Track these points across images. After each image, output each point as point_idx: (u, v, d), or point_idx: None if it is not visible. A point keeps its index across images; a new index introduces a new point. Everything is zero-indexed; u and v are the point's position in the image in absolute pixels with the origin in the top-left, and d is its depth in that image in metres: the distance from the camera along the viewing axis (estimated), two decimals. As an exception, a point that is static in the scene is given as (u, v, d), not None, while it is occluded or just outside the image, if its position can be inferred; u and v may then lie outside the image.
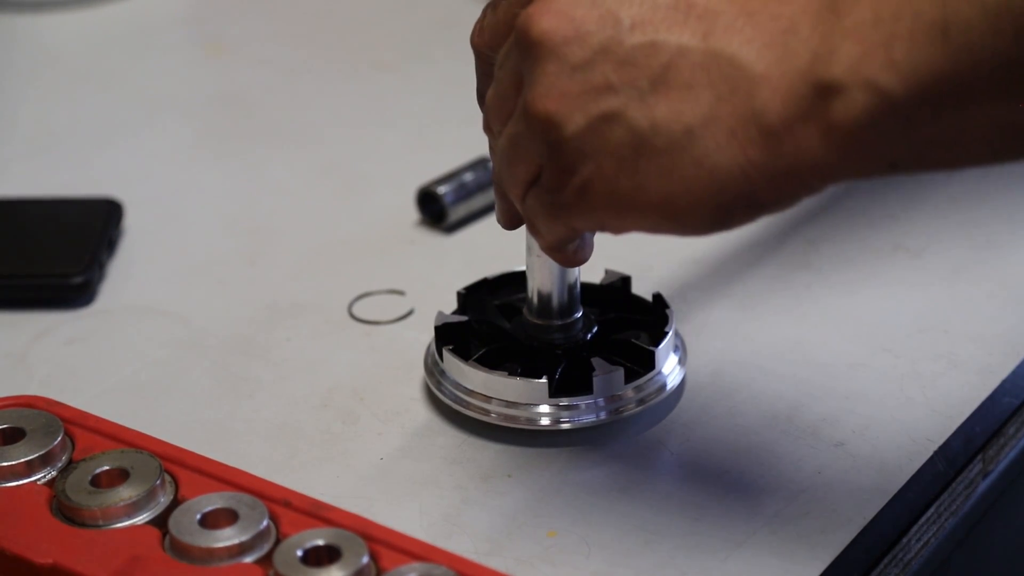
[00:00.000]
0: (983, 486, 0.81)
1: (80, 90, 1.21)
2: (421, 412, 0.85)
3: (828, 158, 0.66)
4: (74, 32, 1.29)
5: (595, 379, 0.81)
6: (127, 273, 0.98)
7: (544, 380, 0.81)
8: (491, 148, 0.76)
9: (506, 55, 0.73)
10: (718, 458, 0.81)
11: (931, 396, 0.83)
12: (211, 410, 0.86)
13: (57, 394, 0.81)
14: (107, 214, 1.00)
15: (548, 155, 0.70)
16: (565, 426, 0.81)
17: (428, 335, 0.91)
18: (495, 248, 0.99)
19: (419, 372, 0.88)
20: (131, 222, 1.02)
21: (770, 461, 0.80)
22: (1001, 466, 0.83)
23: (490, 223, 1.00)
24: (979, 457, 0.81)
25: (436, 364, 0.85)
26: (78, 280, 0.95)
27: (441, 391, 0.84)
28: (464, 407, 0.83)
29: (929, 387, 0.83)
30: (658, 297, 0.85)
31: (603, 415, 0.82)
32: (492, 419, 0.82)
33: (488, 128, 0.76)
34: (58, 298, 0.95)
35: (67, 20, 1.30)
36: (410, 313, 0.93)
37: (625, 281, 0.87)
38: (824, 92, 0.64)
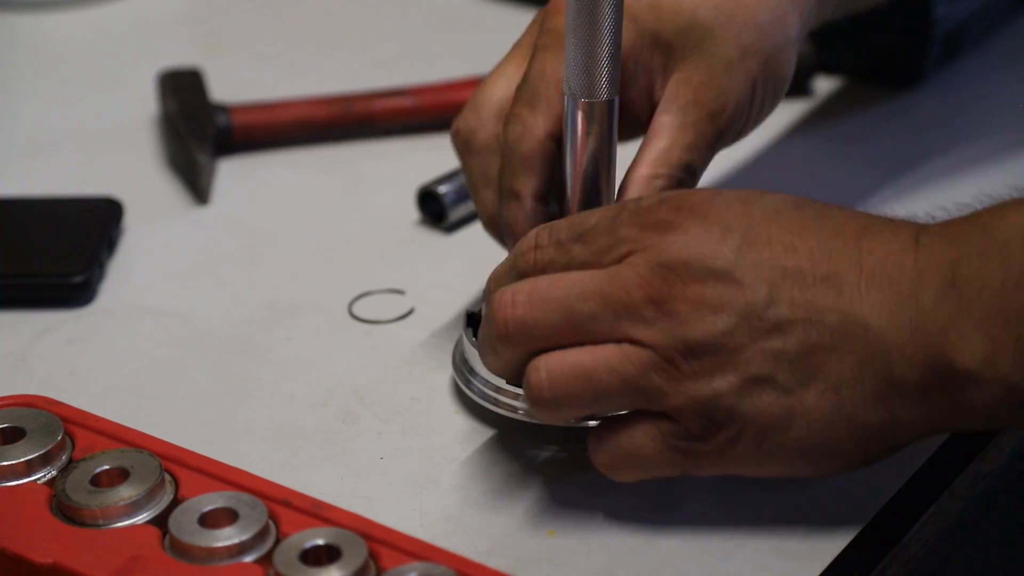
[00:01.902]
0: (983, 486, 0.81)
1: (80, 90, 1.21)
2: (421, 412, 0.85)
3: (958, 423, 0.73)
4: (74, 32, 1.29)
5: None
6: (127, 273, 0.98)
7: None
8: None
9: (627, 309, 0.73)
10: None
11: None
12: (211, 410, 0.86)
13: (57, 393, 0.81)
14: (107, 214, 1.00)
15: (694, 409, 0.73)
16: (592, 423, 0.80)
17: (428, 335, 0.91)
18: (495, 248, 0.99)
19: (419, 371, 0.88)
20: (131, 222, 1.02)
21: (770, 461, 0.80)
22: (1000, 465, 0.83)
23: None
24: (979, 457, 0.81)
25: (465, 361, 0.85)
26: (78, 279, 0.95)
27: (471, 388, 0.84)
28: (494, 404, 0.82)
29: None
30: None
31: None
32: (520, 416, 0.82)
33: (574, 328, 0.74)
34: (58, 297, 0.95)
35: (67, 20, 1.30)
36: (410, 313, 0.93)
37: None
38: (959, 379, 0.70)
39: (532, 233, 0.77)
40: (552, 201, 0.84)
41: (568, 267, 0.75)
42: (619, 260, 0.74)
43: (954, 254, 0.71)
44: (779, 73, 0.86)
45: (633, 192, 0.82)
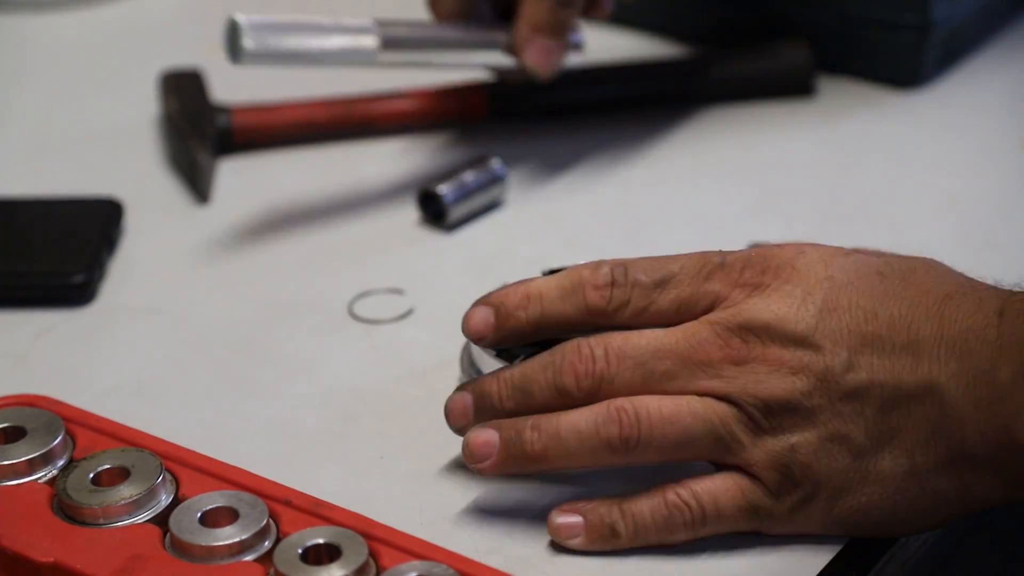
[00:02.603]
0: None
1: (80, 90, 1.21)
2: (421, 411, 0.85)
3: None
4: (75, 32, 1.29)
5: None
6: (127, 273, 0.98)
7: None
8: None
9: (704, 368, 0.74)
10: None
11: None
12: (211, 409, 0.86)
13: (58, 393, 0.81)
14: (107, 214, 1.00)
15: (771, 465, 0.74)
16: None
17: (428, 335, 0.91)
18: (495, 248, 0.99)
19: (419, 371, 0.88)
20: (131, 222, 1.02)
21: (769, 460, 0.80)
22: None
23: (490, 223, 1.01)
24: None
25: (473, 364, 0.84)
26: (79, 279, 0.95)
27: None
28: None
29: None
30: None
31: None
32: None
33: (650, 384, 0.75)
34: (59, 297, 0.95)
35: (68, 20, 1.30)
36: (410, 312, 0.93)
37: None
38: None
39: (604, 269, 0.76)
40: None
41: (644, 312, 0.75)
42: (699, 315, 0.75)
43: None
44: None
45: (528, 9, 0.99)
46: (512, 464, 0.76)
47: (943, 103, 1.12)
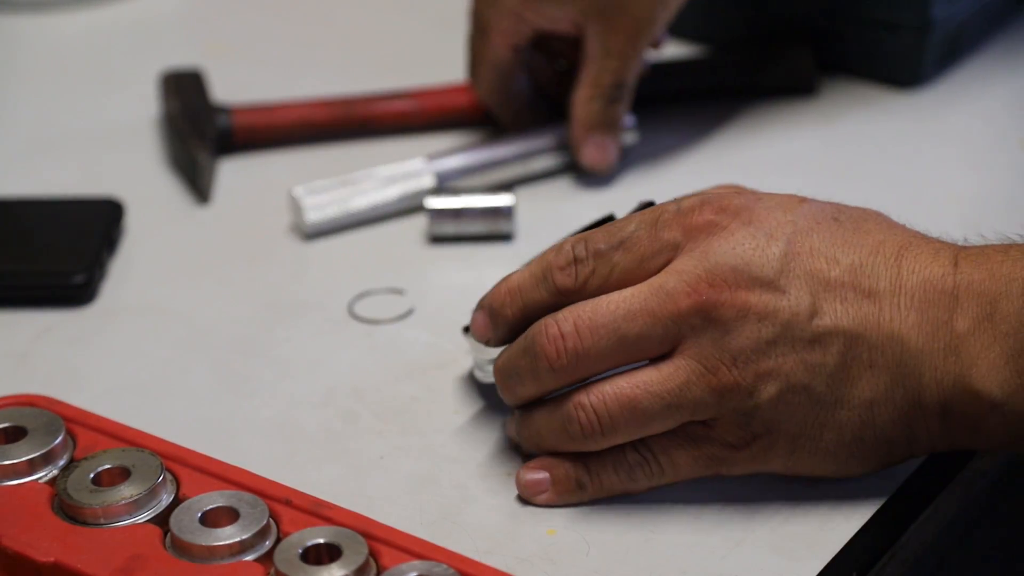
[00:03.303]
0: (981, 485, 0.81)
1: (81, 90, 1.21)
2: (421, 411, 0.85)
3: (971, 444, 0.75)
4: (75, 32, 1.29)
5: None
6: (128, 273, 0.98)
7: None
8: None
9: (675, 321, 0.74)
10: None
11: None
12: (212, 409, 0.86)
13: (58, 393, 0.81)
14: (107, 214, 1.01)
15: (732, 419, 0.75)
16: None
17: (428, 335, 0.91)
18: (494, 248, 0.99)
19: (419, 371, 0.88)
20: (131, 222, 1.02)
21: (769, 460, 0.80)
22: (999, 465, 0.83)
23: (491, 251, 1.00)
24: (977, 456, 0.81)
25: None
26: (79, 279, 0.95)
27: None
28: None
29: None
30: None
31: None
32: None
33: (625, 349, 0.75)
34: (59, 297, 0.95)
35: (68, 20, 1.30)
36: (410, 312, 0.93)
37: None
38: (983, 407, 0.73)
39: (566, 247, 0.77)
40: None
41: (611, 276, 0.76)
42: (663, 265, 0.75)
43: (995, 289, 0.73)
44: None
45: (580, 111, 1.01)
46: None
47: (943, 103, 1.12)
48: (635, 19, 0.98)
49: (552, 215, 1.01)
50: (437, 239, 1.00)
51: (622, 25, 0.99)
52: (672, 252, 0.75)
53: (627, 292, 0.75)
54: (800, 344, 0.74)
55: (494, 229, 0.99)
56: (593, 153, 1.02)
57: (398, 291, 0.95)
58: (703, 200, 0.76)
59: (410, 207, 1.01)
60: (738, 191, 0.78)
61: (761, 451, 0.75)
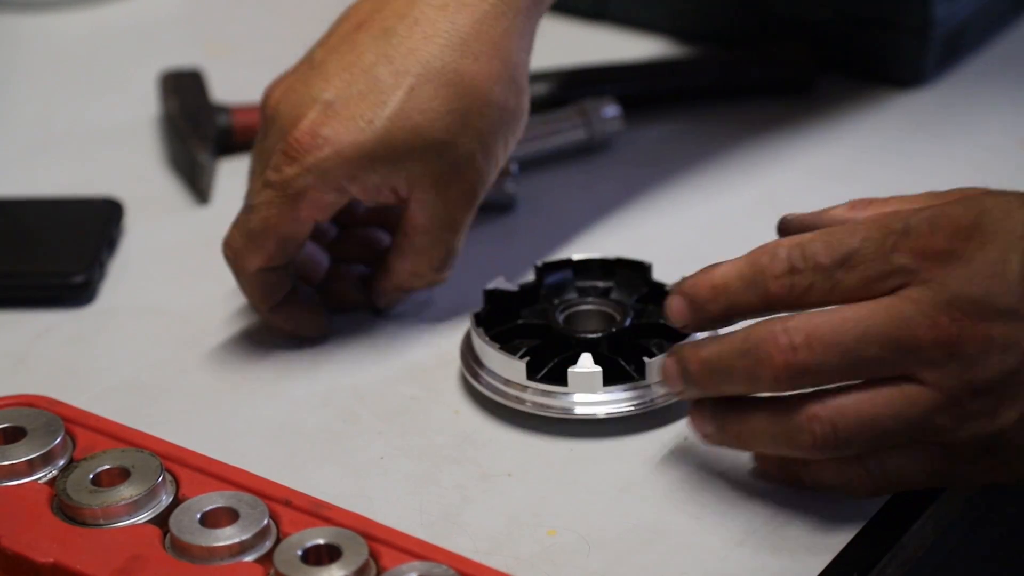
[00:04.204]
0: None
1: (80, 90, 1.21)
2: (421, 412, 0.85)
3: None
4: (74, 32, 1.29)
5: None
6: (127, 273, 0.98)
7: (599, 370, 0.82)
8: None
9: (912, 351, 0.72)
10: (718, 457, 0.81)
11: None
12: (211, 409, 0.86)
13: (58, 393, 0.81)
14: (107, 214, 1.01)
15: (971, 441, 0.73)
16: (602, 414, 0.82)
17: (428, 334, 0.91)
18: (495, 246, 0.99)
19: (419, 371, 0.88)
20: (131, 222, 1.02)
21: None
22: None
23: (491, 221, 1.00)
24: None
25: (473, 354, 0.86)
26: (79, 279, 0.95)
27: (479, 381, 0.85)
28: (503, 397, 0.83)
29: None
30: None
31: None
32: (527, 408, 0.83)
33: (856, 371, 0.73)
34: (59, 297, 0.95)
35: (67, 20, 1.30)
36: (428, 302, 0.93)
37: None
38: None
39: (782, 253, 0.74)
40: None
41: (831, 295, 0.73)
42: (891, 291, 0.73)
43: None
44: (520, 120, 0.88)
45: (404, 281, 0.90)
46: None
47: (943, 103, 1.12)
48: (471, 184, 0.87)
49: (554, 196, 1.01)
50: None
51: (459, 193, 0.87)
52: (903, 278, 0.73)
53: (862, 312, 0.72)
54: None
55: (498, 193, 1.00)
56: (391, 304, 0.92)
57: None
58: (932, 222, 0.73)
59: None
60: (960, 200, 0.74)
61: (995, 467, 0.74)
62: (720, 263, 0.76)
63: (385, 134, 0.84)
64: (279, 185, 0.85)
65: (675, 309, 0.77)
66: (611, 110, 1.06)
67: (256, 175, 0.88)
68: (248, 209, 0.87)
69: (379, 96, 0.85)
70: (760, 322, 0.74)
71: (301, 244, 0.88)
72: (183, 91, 1.11)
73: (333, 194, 0.86)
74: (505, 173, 1.01)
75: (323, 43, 0.90)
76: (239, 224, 0.87)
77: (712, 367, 0.75)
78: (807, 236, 0.74)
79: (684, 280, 0.77)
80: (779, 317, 0.74)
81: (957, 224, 0.73)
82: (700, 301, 0.76)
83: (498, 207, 1.01)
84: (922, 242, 0.72)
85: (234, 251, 0.88)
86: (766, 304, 0.74)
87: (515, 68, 0.87)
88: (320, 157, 0.84)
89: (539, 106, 1.06)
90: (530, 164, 1.05)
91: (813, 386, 0.74)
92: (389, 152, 0.85)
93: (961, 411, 0.72)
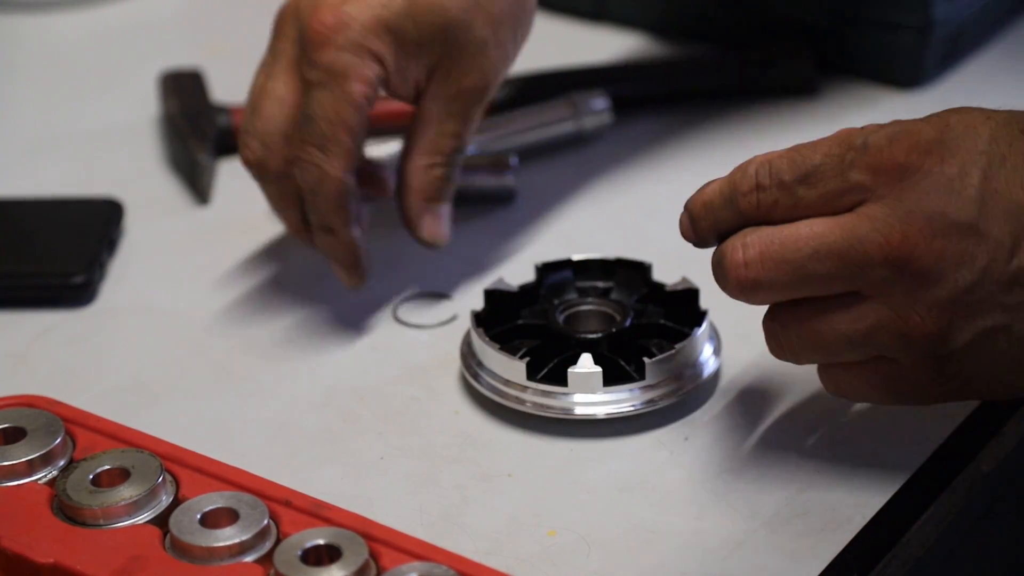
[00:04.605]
0: (982, 485, 0.81)
1: (80, 90, 1.21)
2: (421, 412, 0.85)
3: None
4: (74, 32, 1.29)
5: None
6: (127, 273, 0.98)
7: (599, 370, 0.82)
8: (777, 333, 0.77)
9: (863, 269, 0.73)
10: (718, 457, 0.81)
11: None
12: (211, 410, 0.86)
13: (58, 393, 0.81)
14: (107, 214, 1.00)
15: (923, 362, 0.73)
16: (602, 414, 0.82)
17: (428, 335, 0.91)
18: (495, 246, 0.99)
19: (419, 371, 0.88)
20: (131, 222, 1.02)
21: (770, 461, 0.80)
22: (1000, 465, 0.83)
23: (491, 222, 1.00)
24: (979, 457, 0.81)
25: (473, 355, 0.86)
26: (79, 280, 0.95)
27: (479, 381, 0.84)
28: (501, 397, 0.83)
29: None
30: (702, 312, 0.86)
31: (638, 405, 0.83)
32: (527, 408, 0.83)
33: (807, 285, 0.74)
34: (59, 298, 0.95)
35: (67, 20, 1.30)
36: (453, 319, 0.93)
37: (693, 293, 0.87)
38: None
39: (751, 170, 0.75)
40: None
41: (794, 210, 0.74)
42: (851, 207, 0.73)
43: None
44: (528, 17, 0.91)
45: (417, 180, 0.90)
46: None
47: (944, 103, 1.10)
48: (484, 74, 0.89)
49: (553, 186, 1.01)
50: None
51: (472, 82, 0.89)
52: (860, 194, 0.73)
53: (817, 228, 0.73)
54: (998, 286, 0.72)
55: (498, 184, 1.01)
56: (434, 225, 0.92)
57: (442, 295, 0.94)
58: (891, 137, 0.73)
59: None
60: (926, 117, 0.75)
61: (955, 390, 0.75)
62: (713, 180, 0.78)
63: (406, 9, 0.86)
64: (323, 74, 0.86)
65: (682, 224, 0.79)
66: (600, 103, 1.06)
67: (276, 63, 0.89)
68: (307, 119, 0.87)
69: None
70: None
71: (366, 130, 0.88)
72: (183, 91, 1.11)
73: (374, 65, 0.87)
74: (505, 166, 1.01)
75: None
76: (308, 138, 0.87)
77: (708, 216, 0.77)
78: (777, 153, 0.75)
79: (689, 198, 0.79)
80: (745, 230, 0.75)
81: (917, 139, 0.73)
82: (695, 218, 0.77)
83: (498, 199, 1.01)
84: (880, 157, 0.73)
85: (315, 166, 0.87)
86: (740, 220, 0.75)
87: None
88: (349, 32, 0.86)
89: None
90: (522, 156, 1.05)
91: (769, 301, 0.75)
92: (412, 28, 0.87)
93: (909, 330, 0.72)
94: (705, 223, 0.77)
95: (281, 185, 0.90)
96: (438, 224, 0.92)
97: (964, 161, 0.72)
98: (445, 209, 0.92)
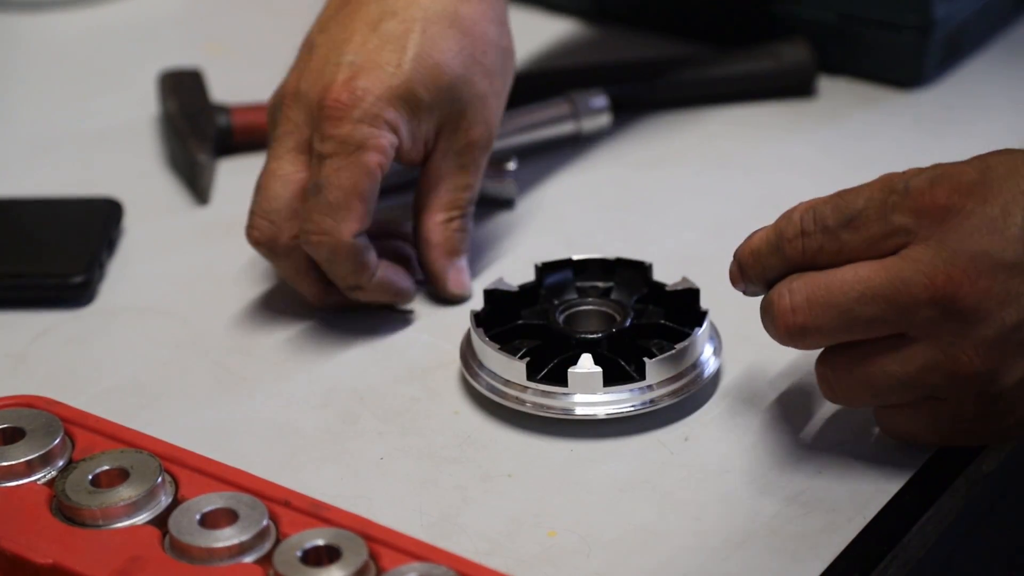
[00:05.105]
0: (983, 486, 0.81)
1: (80, 90, 1.21)
2: (421, 412, 0.85)
3: None
4: (74, 32, 1.29)
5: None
6: (127, 273, 0.98)
7: (599, 370, 0.82)
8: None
9: (909, 310, 0.73)
10: (718, 458, 0.81)
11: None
12: (211, 410, 0.86)
13: (57, 394, 0.81)
14: (107, 214, 1.00)
15: (973, 400, 0.74)
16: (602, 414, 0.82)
17: (428, 335, 0.91)
18: (495, 246, 0.99)
19: (419, 371, 0.88)
20: (131, 222, 1.02)
21: (770, 461, 0.80)
22: (1001, 465, 0.83)
23: (491, 222, 1.00)
24: (979, 457, 0.81)
25: (474, 355, 0.85)
26: (78, 280, 0.95)
27: (478, 381, 0.84)
28: (501, 397, 0.83)
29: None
30: (702, 312, 0.85)
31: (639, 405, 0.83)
32: (527, 409, 0.83)
33: (854, 329, 0.75)
34: (58, 298, 0.95)
35: (67, 20, 1.30)
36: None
37: (693, 293, 0.87)
38: None
39: (796, 217, 0.76)
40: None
41: (839, 255, 0.75)
42: (895, 250, 0.74)
43: None
44: (511, 63, 0.93)
45: (438, 236, 0.92)
46: None
47: (944, 103, 1.12)
48: (488, 124, 0.91)
49: (553, 186, 1.01)
50: None
51: (474, 139, 0.91)
52: (904, 238, 0.74)
53: (862, 272, 0.74)
54: None
55: (498, 192, 1.01)
56: (458, 279, 0.93)
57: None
58: (933, 180, 0.74)
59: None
60: (967, 160, 0.75)
61: (1008, 428, 0.76)
62: (760, 228, 0.79)
63: (413, 74, 0.88)
64: (339, 147, 0.87)
65: (731, 272, 0.80)
66: (599, 101, 1.06)
67: (280, 146, 0.90)
68: (316, 188, 0.87)
69: (397, 43, 0.88)
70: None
71: (376, 197, 0.88)
72: (183, 91, 1.11)
73: (389, 134, 0.88)
74: (504, 172, 1.01)
75: (316, 28, 0.92)
76: (316, 208, 0.87)
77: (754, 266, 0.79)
78: (821, 199, 0.76)
79: (739, 246, 0.80)
80: (792, 276, 0.76)
81: (958, 181, 0.73)
82: (744, 266, 0.79)
83: (499, 204, 1.01)
84: (922, 200, 0.74)
85: (325, 234, 0.87)
86: (787, 266, 0.77)
87: (503, 10, 0.92)
88: (365, 105, 0.87)
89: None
90: (520, 156, 1.04)
91: (819, 345, 0.76)
92: (423, 91, 0.88)
93: (958, 371, 0.73)
94: (754, 271, 0.78)
95: (291, 259, 0.90)
96: (461, 277, 0.93)
97: (1007, 201, 0.73)
98: (465, 261, 0.94)
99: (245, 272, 0.98)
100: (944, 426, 0.76)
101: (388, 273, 0.90)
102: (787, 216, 0.77)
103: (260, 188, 0.90)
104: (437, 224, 0.92)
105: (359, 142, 0.87)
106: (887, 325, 0.74)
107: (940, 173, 0.74)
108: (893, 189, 0.75)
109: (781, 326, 0.76)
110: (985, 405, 0.74)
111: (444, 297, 0.93)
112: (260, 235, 0.89)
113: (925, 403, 0.76)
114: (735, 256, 0.79)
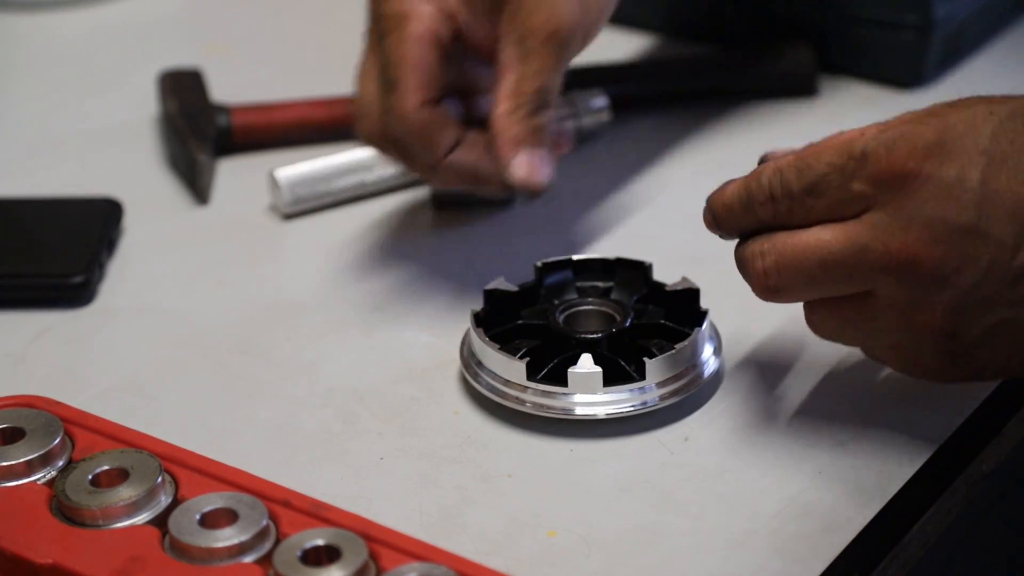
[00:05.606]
0: (983, 485, 0.81)
1: (80, 90, 1.21)
2: (421, 412, 0.85)
3: None
4: (74, 32, 1.29)
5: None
6: (127, 273, 0.98)
7: (599, 370, 0.82)
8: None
9: (871, 274, 0.75)
10: (718, 457, 0.81)
11: (931, 395, 0.83)
12: (211, 410, 0.86)
13: (57, 394, 0.81)
14: (107, 214, 1.00)
15: (937, 354, 0.77)
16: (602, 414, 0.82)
17: (427, 335, 0.91)
18: (495, 246, 0.99)
19: (419, 371, 0.88)
20: (131, 222, 1.02)
21: (770, 461, 0.80)
22: (1001, 465, 0.83)
23: (491, 223, 1.00)
24: (979, 457, 0.81)
25: (473, 355, 0.85)
26: (78, 280, 0.95)
27: (478, 381, 0.84)
28: (501, 397, 0.83)
29: (930, 386, 0.83)
30: (702, 312, 0.85)
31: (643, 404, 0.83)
32: (527, 409, 0.83)
33: (822, 290, 0.78)
34: (58, 298, 0.95)
35: (67, 20, 1.30)
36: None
37: (693, 293, 0.87)
38: None
39: (764, 180, 0.77)
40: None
41: (808, 218, 0.76)
42: (858, 213, 0.75)
43: None
44: None
45: (502, 125, 0.88)
46: None
47: (944, 103, 1.11)
48: (546, 20, 0.87)
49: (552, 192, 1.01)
50: (439, 200, 1.00)
51: (535, 25, 0.87)
52: (864, 203, 0.75)
53: (824, 236, 0.75)
54: (1003, 283, 0.73)
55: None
56: (524, 170, 0.88)
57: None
58: (889, 145, 0.74)
59: (404, 183, 1.01)
60: (925, 118, 0.75)
61: (971, 375, 0.78)
62: (732, 180, 0.80)
63: None
64: (385, 23, 0.89)
65: (705, 220, 0.81)
66: (599, 101, 1.07)
67: (365, 45, 0.92)
68: (380, 71, 0.89)
69: None
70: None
71: (444, 67, 0.89)
72: (182, 91, 1.11)
73: (431, 7, 0.89)
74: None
75: None
76: (383, 88, 0.89)
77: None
78: (785, 161, 0.77)
79: (714, 193, 0.81)
80: (763, 237, 0.78)
81: (915, 143, 0.74)
82: (719, 218, 0.80)
83: (498, 202, 1.01)
84: (879, 167, 0.74)
85: (390, 110, 0.88)
86: (761, 225, 0.78)
87: None
88: None
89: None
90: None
91: (796, 301, 0.79)
92: None
93: (918, 329, 0.75)
94: (728, 224, 0.80)
95: (397, 148, 0.90)
96: (530, 168, 0.89)
97: (963, 163, 0.73)
98: (539, 153, 0.89)
99: (245, 272, 0.98)
100: (911, 367, 0.79)
101: (464, 155, 0.89)
102: (756, 177, 0.78)
103: (358, 92, 0.92)
104: (502, 113, 0.88)
105: (402, 14, 0.88)
106: (851, 286, 0.76)
107: (897, 135, 0.75)
108: (851, 154, 0.75)
109: (757, 287, 0.78)
110: (944, 358, 0.77)
111: (515, 189, 0.90)
112: (362, 131, 0.91)
113: (891, 349, 0.78)
114: (708, 204, 0.80)
